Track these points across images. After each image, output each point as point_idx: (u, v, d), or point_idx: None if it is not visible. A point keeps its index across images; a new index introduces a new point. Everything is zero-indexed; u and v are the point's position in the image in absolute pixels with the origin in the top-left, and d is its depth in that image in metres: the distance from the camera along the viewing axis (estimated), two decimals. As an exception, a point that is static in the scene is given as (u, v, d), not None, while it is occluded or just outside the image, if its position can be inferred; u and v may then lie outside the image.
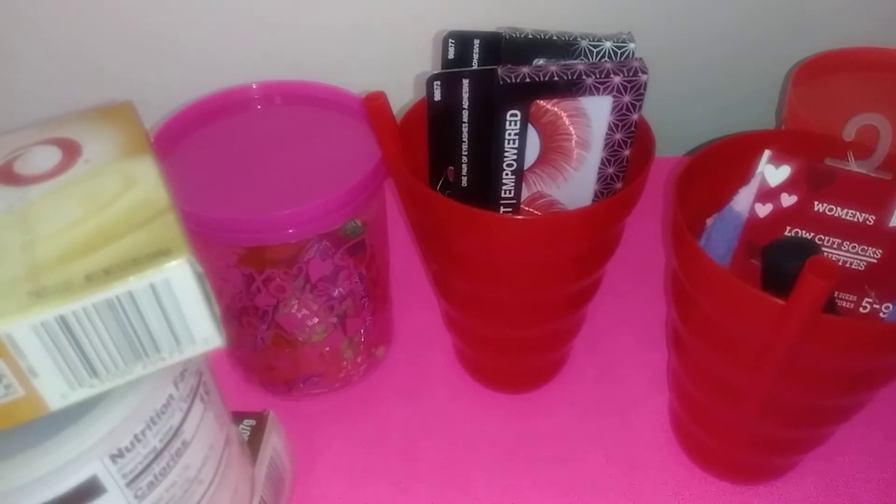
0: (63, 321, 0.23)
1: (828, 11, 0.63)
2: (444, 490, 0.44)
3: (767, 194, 0.39)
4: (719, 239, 0.40)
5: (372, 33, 0.61)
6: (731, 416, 0.40)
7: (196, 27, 0.59)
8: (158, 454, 0.28)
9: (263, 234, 0.39)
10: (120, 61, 0.60)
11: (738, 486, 0.44)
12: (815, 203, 0.39)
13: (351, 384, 0.50)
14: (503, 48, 0.39)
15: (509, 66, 0.37)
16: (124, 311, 0.24)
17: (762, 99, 0.68)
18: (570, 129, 0.38)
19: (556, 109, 0.37)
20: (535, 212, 0.42)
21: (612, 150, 0.39)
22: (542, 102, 0.37)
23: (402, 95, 0.63)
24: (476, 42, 0.39)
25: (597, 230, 0.38)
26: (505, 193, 0.41)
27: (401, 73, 0.63)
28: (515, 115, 0.37)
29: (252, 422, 0.41)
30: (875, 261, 0.39)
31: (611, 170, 0.40)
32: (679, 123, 0.68)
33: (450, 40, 0.39)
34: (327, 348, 0.46)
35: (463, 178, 0.41)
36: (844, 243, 0.39)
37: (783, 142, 0.40)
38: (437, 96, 0.38)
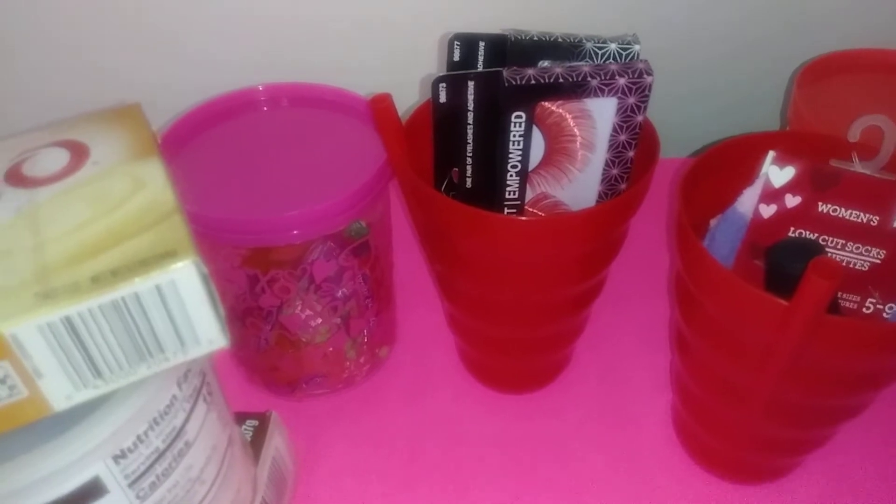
0: (68, 322, 0.23)
1: (832, 12, 0.63)
2: (447, 490, 0.44)
3: (771, 195, 0.39)
4: (723, 240, 0.40)
5: (377, 35, 0.61)
6: (734, 417, 0.40)
7: (202, 29, 0.59)
8: (161, 455, 0.28)
9: (268, 235, 0.39)
10: (126, 63, 0.60)
11: (740, 487, 0.44)
12: (819, 204, 0.39)
13: (354, 385, 0.50)
14: (508, 50, 0.39)
15: (514, 67, 0.37)
16: (130, 313, 0.24)
17: (766, 100, 0.68)
18: (575, 130, 0.38)
19: (560, 111, 0.38)
20: (540, 213, 0.42)
21: (617, 152, 0.39)
22: (547, 104, 0.37)
23: (408, 97, 0.63)
24: (481, 44, 0.39)
25: (601, 231, 0.38)
26: (509, 195, 0.41)
27: (406, 74, 0.63)
28: (520, 117, 0.37)
29: (255, 422, 0.41)
30: (879, 261, 0.38)
31: (615, 171, 0.40)
32: (683, 124, 0.68)
33: (455, 42, 0.39)
34: (331, 349, 0.46)
35: (467, 179, 0.41)
36: (848, 244, 0.39)
37: (787, 143, 0.40)
38: (443, 98, 0.38)
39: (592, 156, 0.39)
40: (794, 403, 0.37)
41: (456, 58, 0.39)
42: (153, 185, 0.27)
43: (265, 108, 0.47)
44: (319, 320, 0.44)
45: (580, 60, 0.39)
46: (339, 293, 0.44)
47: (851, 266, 0.39)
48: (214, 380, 0.32)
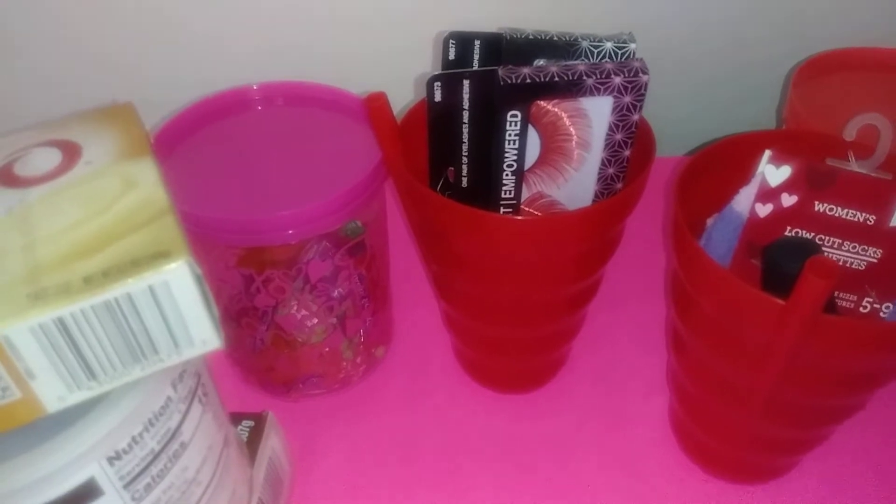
0: (61, 323, 0.23)
1: (828, 11, 0.63)
2: (443, 490, 0.44)
3: (768, 194, 0.39)
4: (720, 239, 0.40)
5: (372, 34, 0.61)
6: (731, 416, 0.40)
7: (196, 28, 0.59)
8: (156, 456, 0.28)
9: (263, 235, 0.39)
10: (122, 60, 0.60)
11: (738, 486, 0.44)
12: (816, 203, 0.39)
13: (350, 385, 0.50)
14: (504, 49, 0.39)
15: (510, 66, 0.37)
16: (122, 314, 0.24)
17: (762, 99, 0.68)
18: (571, 129, 0.38)
19: (556, 110, 0.37)
20: (536, 212, 0.42)
21: (613, 151, 0.39)
22: (542, 103, 0.37)
23: (403, 96, 0.63)
24: (477, 43, 0.39)
25: (597, 230, 0.38)
26: (505, 194, 0.41)
27: (401, 73, 0.63)
28: (516, 116, 0.37)
29: (251, 423, 0.41)
30: (875, 261, 0.38)
31: (611, 170, 0.40)
32: (679, 123, 0.68)
33: (450, 41, 0.39)
34: (327, 349, 0.46)
35: (463, 178, 0.41)
36: (845, 243, 0.39)
37: (784, 142, 0.40)
38: (438, 97, 0.38)
39: (588, 155, 0.39)
40: (792, 403, 0.37)
41: (451, 56, 0.39)
42: (145, 185, 0.27)
43: (259, 107, 0.47)
44: (315, 320, 0.44)
45: (576, 59, 0.38)
46: (335, 293, 0.44)
47: (848, 265, 0.39)
48: (210, 380, 0.32)
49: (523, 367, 0.49)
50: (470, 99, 0.38)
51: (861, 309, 0.39)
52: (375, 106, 0.38)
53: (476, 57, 0.39)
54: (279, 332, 0.44)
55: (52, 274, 0.24)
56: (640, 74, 0.36)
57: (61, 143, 0.30)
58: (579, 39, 0.38)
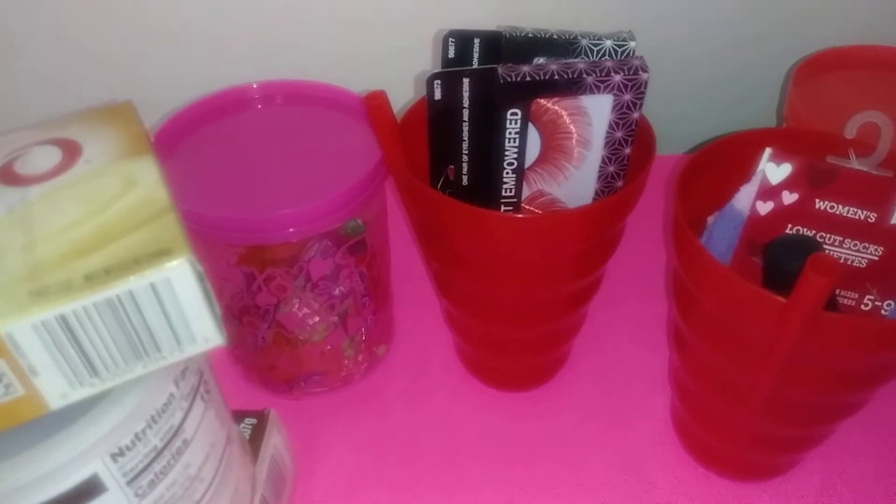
0: (63, 320, 0.23)
1: (828, 9, 0.63)
2: (444, 487, 0.44)
3: (768, 192, 0.39)
4: (720, 237, 0.40)
5: (372, 32, 0.61)
6: (732, 414, 0.40)
7: (196, 26, 0.59)
8: (159, 453, 0.28)
9: (264, 234, 0.39)
10: (122, 59, 0.60)
11: (739, 484, 0.44)
12: (817, 201, 0.39)
13: (352, 383, 0.50)
14: (503, 47, 0.39)
15: (510, 64, 0.37)
16: (125, 311, 0.24)
17: (763, 97, 0.68)
18: (571, 127, 0.38)
19: (556, 108, 0.37)
20: (536, 210, 0.42)
21: (613, 149, 0.39)
22: (542, 101, 0.37)
23: (403, 94, 0.63)
24: (476, 41, 0.39)
25: (597, 229, 0.38)
26: (506, 192, 0.41)
27: (401, 72, 0.63)
28: (516, 114, 0.37)
29: (253, 420, 0.41)
30: (876, 258, 0.38)
31: (611, 168, 0.40)
32: (680, 121, 0.68)
33: (450, 39, 0.39)
34: (328, 347, 0.46)
35: (463, 176, 0.41)
36: (846, 241, 0.39)
37: (784, 140, 0.40)
38: (438, 95, 0.38)
39: (588, 153, 0.39)
40: (793, 401, 0.37)
41: (451, 55, 0.39)
42: (146, 183, 0.27)
43: (259, 106, 0.47)
44: (317, 318, 0.44)
45: (575, 57, 0.38)
46: (336, 291, 0.44)
47: (849, 263, 0.39)
48: (212, 378, 0.32)
49: (524, 366, 0.49)
50: (470, 97, 0.38)
51: (862, 307, 0.39)
52: (375, 104, 0.38)
53: (476, 55, 0.39)
54: (281, 331, 0.44)
55: (54, 272, 0.24)
56: (640, 72, 0.36)
57: (61, 142, 0.30)
58: (579, 37, 0.38)
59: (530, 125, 0.38)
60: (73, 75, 0.61)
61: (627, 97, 0.37)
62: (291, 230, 0.39)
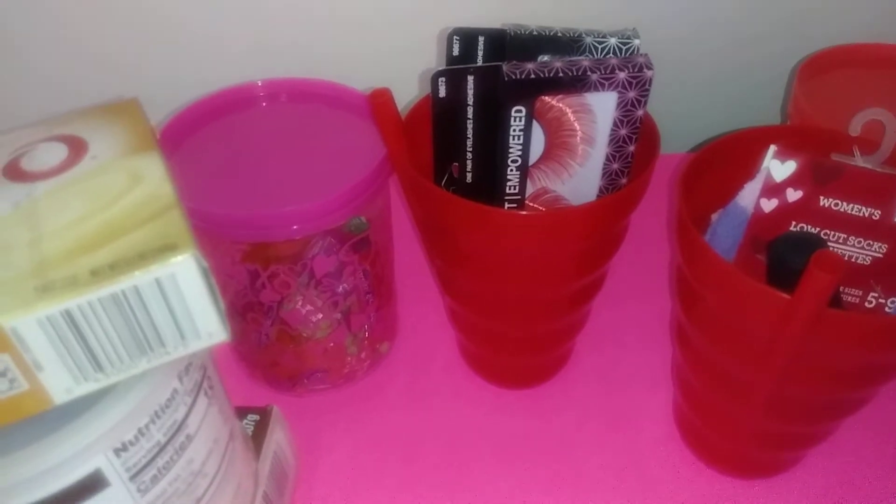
0: (68, 315, 0.23)
1: (833, 6, 0.63)
2: (446, 485, 0.44)
3: (773, 189, 0.39)
4: (724, 234, 0.40)
5: (377, 30, 0.61)
6: (735, 411, 0.40)
7: (200, 24, 0.59)
8: (162, 448, 0.28)
9: (268, 231, 0.39)
10: (126, 57, 0.60)
11: (742, 481, 0.44)
12: (821, 198, 0.39)
13: (355, 380, 0.50)
14: (508, 45, 0.39)
15: (514, 62, 0.37)
16: (129, 306, 0.24)
17: (767, 94, 0.68)
18: (575, 124, 0.38)
19: (560, 105, 0.37)
20: (540, 207, 0.42)
21: (617, 146, 0.39)
22: (546, 98, 0.37)
23: (407, 92, 0.63)
24: (481, 39, 0.39)
25: (601, 226, 0.38)
26: (510, 189, 0.41)
27: (405, 69, 0.63)
28: (520, 112, 0.37)
29: (256, 417, 0.41)
30: (881, 255, 0.38)
31: (616, 165, 0.40)
32: (683, 121, 0.68)
33: (454, 37, 0.39)
34: (331, 344, 0.46)
35: (467, 174, 0.41)
36: (850, 238, 0.39)
37: (789, 137, 0.40)
38: (442, 93, 0.38)
39: (593, 150, 0.39)
40: (796, 398, 0.37)
41: (455, 52, 0.39)
42: (151, 180, 0.27)
43: (264, 104, 0.47)
44: (320, 315, 0.44)
45: (580, 55, 0.38)
46: (340, 288, 0.44)
47: (853, 260, 0.39)
48: (215, 374, 0.32)
49: (528, 363, 0.49)
50: (474, 94, 0.38)
51: (866, 304, 0.39)
52: (380, 102, 0.38)
53: (480, 53, 0.39)
54: (284, 328, 0.44)
55: (59, 267, 0.24)
56: (645, 69, 0.36)
57: (67, 139, 0.30)
58: (583, 35, 0.38)
59: (534, 122, 0.38)
60: (74, 75, 0.61)
61: (632, 94, 0.37)
62: (295, 227, 0.39)
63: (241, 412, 0.41)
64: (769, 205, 0.39)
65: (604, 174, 0.40)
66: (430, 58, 0.63)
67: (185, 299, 0.25)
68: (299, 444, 0.45)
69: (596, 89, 0.37)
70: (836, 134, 0.40)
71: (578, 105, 0.37)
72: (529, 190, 0.41)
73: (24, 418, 0.24)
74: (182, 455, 0.29)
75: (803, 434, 0.40)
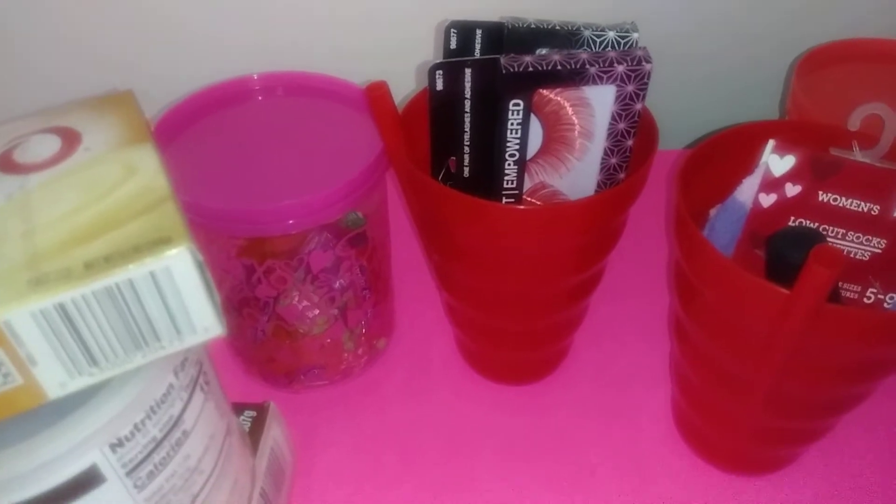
0: (62, 309, 0.23)
1: (832, 2, 0.63)
2: (444, 481, 0.44)
3: (771, 184, 0.39)
4: (723, 229, 0.40)
5: (374, 23, 0.61)
6: (733, 407, 0.39)
7: (197, 17, 0.59)
8: (158, 444, 0.28)
9: (264, 225, 0.39)
10: (122, 50, 0.60)
11: (740, 478, 0.44)
12: (820, 193, 0.38)
13: (352, 376, 0.50)
14: (505, 38, 0.38)
15: (512, 55, 0.36)
16: (124, 299, 0.24)
17: (766, 89, 0.68)
18: (573, 118, 0.38)
19: (558, 99, 0.37)
20: (538, 202, 0.42)
21: (616, 140, 0.39)
22: (544, 92, 0.37)
23: (404, 85, 0.63)
24: (478, 32, 0.39)
25: (599, 221, 0.38)
26: (507, 183, 0.40)
27: (402, 62, 0.63)
28: (518, 105, 0.37)
29: (253, 413, 0.41)
30: (879, 251, 0.38)
31: (614, 160, 0.40)
32: (681, 116, 0.68)
33: (452, 30, 0.39)
34: (328, 340, 0.46)
35: (465, 168, 0.41)
36: (849, 233, 0.39)
37: (787, 132, 0.40)
38: (439, 86, 0.37)
39: (591, 144, 0.39)
40: (795, 393, 0.37)
41: (452, 45, 0.39)
42: (145, 172, 0.27)
43: (260, 97, 0.47)
44: (317, 311, 0.44)
45: (578, 48, 0.38)
46: (337, 284, 0.44)
47: (852, 255, 0.39)
48: (211, 370, 0.32)
49: (525, 359, 0.49)
50: (472, 88, 0.37)
51: (865, 299, 0.39)
52: (376, 95, 0.38)
53: (478, 46, 0.39)
54: (280, 323, 0.44)
55: (53, 260, 0.23)
56: (644, 63, 0.36)
57: (61, 130, 0.30)
58: (581, 28, 0.38)
59: (532, 116, 0.38)
60: (72, 72, 0.60)
61: (630, 88, 0.37)
62: (291, 222, 0.39)
63: (238, 408, 0.41)
64: (768, 200, 0.39)
65: (602, 169, 0.40)
66: (428, 51, 0.62)
67: (181, 293, 0.24)
68: (296, 440, 0.45)
69: (594, 82, 0.36)
70: (835, 129, 0.40)
71: (577, 98, 0.37)
72: (527, 184, 0.41)
73: (19, 413, 0.24)
74: (178, 451, 0.29)
75: (802, 430, 0.40)
